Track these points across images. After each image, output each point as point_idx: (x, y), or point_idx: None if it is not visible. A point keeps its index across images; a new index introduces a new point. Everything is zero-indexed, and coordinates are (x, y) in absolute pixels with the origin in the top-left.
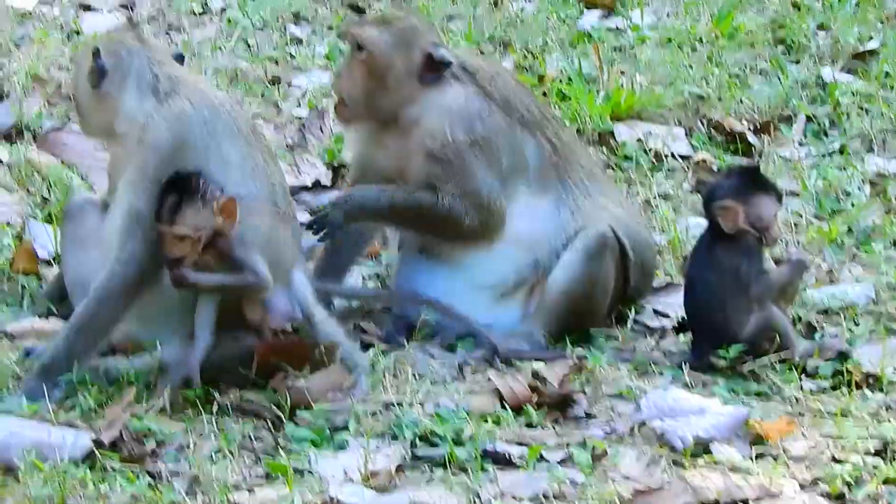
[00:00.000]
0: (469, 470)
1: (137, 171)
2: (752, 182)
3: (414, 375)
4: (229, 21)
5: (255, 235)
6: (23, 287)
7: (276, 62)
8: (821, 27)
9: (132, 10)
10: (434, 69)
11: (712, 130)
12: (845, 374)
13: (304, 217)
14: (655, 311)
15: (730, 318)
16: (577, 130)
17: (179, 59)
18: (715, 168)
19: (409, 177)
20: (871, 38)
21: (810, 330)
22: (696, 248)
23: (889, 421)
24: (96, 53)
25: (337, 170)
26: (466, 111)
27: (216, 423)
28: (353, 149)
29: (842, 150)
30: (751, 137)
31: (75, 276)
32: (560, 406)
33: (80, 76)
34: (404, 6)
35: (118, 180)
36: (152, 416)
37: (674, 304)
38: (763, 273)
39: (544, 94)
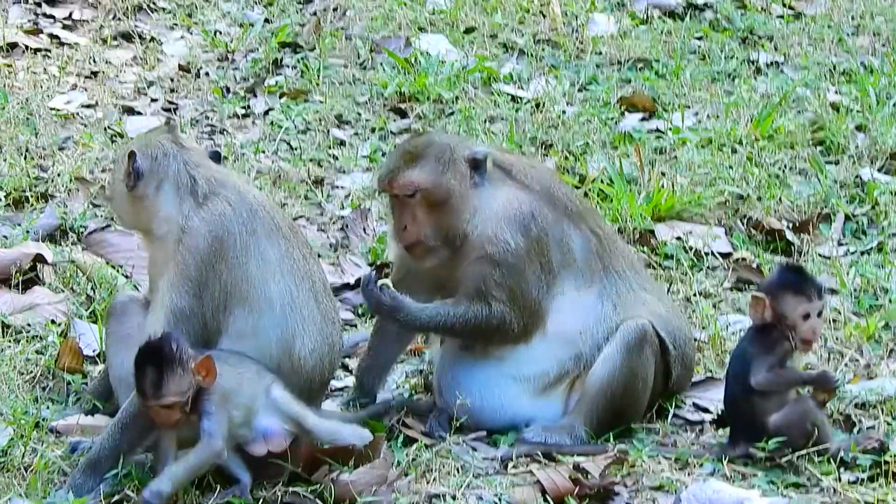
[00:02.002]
0: None
1: (178, 271)
2: (787, 279)
3: (456, 468)
4: (272, 124)
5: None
6: (68, 384)
7: (319, 164)
8: (859, 128)
9: (175, 112)
10: (478, 166)
11: (752, 229)
12: (883, 466)
13: (346, 315)
14: (695, 405)
15: (755, 409)
16: (619, 230)
17: (216, 157)
18: (754, 266)
19: (459, 281)
20: None
21: (849, 424)
22: (739, 341)
23: None
24: (132, 156)
25: (380, 268)
26: (520, 213)
27: None
28: (396, 250)
29: (880, 248)
30: (790, 236)
31: (120, 373)
32: (601, 498)
33: (117, 178)
34: (422, 128)
35: (158, 278)
36: None
37: (713, 399)
38: (773, 366)
39: (586, 194)
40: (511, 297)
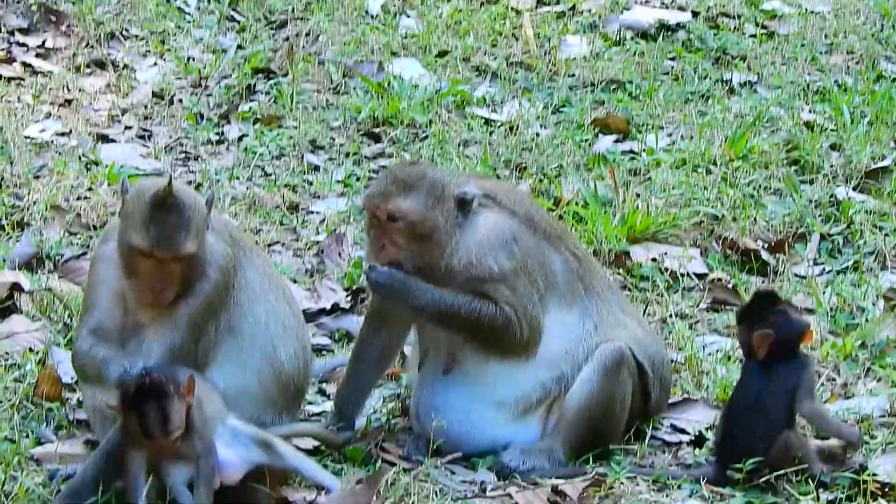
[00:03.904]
0: None
1: (182, 313)
2: (774, 306)
3: (435, 492)
4: (246, 150)
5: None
6: (48, 411)
7: (294, 189)
8: (834, 147)
9: (149, 139)
10: (465, 206)
11: (727, 250)
12: (861, 485)
13: (323, 340)
14: (673, 426)
15: (759, 437)
16: (594, 252)
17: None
18: (730, 287)
19: None
20: (883, 156)
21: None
22: (744, 369)
23: None
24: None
25: (356, 293)
26: (502, 237)
27: None
28: None
29: (856, 267)
30: (765, 256)
31: (94, 403)
32: None
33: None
34: (411, 156)
35: (146, 312)
36: None
37: (691, 420)
38: (813, 398)
39: (560, 216)
40: (511, 301)
